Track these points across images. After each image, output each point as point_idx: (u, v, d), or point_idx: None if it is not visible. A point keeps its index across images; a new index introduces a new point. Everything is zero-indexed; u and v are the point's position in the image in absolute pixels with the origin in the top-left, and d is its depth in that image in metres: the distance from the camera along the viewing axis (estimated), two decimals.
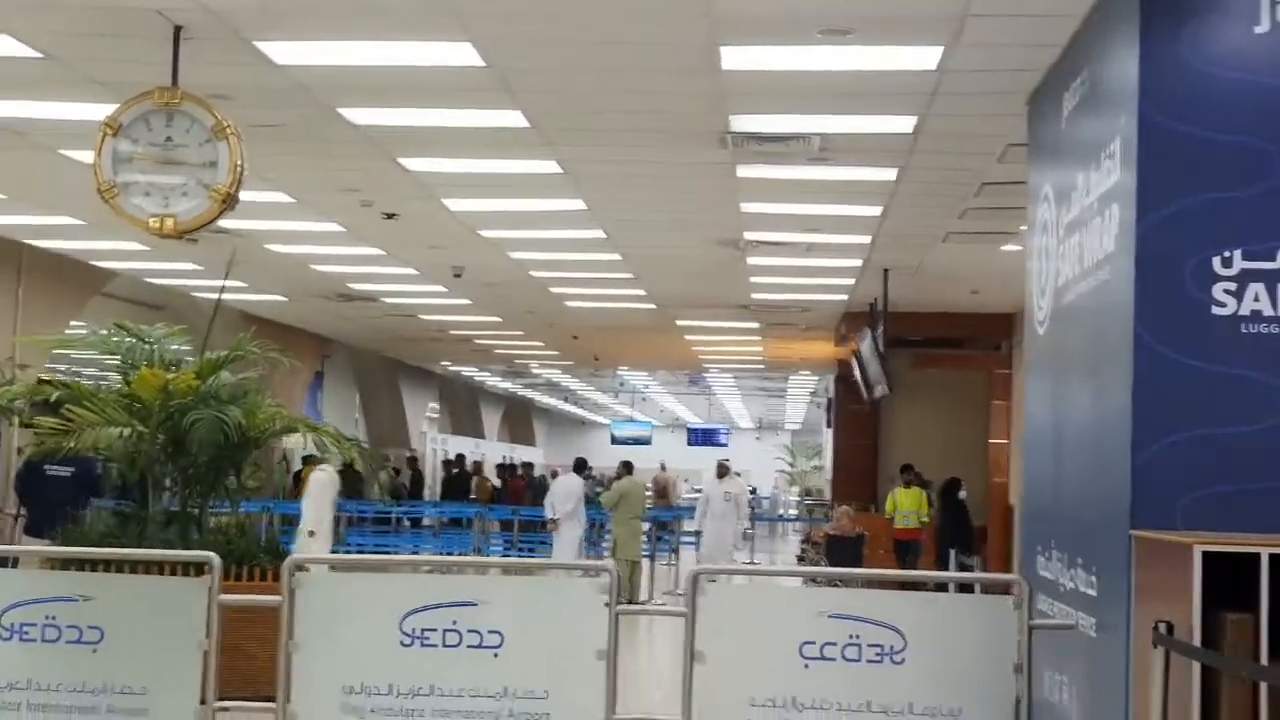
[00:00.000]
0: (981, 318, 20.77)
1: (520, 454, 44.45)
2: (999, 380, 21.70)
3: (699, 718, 7.04)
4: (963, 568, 12.35)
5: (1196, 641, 5.08)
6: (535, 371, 38.54)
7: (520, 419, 54.06)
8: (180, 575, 8.06)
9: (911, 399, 20.60)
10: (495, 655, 7.17)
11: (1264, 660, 5.00)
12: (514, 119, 10.15)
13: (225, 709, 7.16)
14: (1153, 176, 6.19)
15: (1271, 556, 5.07)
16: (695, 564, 18.24)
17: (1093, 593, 6.68)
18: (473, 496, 28.88)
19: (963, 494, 19.29)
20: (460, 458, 32.69)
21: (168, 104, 7.80)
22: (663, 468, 41.18)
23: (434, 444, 38.81)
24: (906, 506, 19.95)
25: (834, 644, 7.03)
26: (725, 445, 50.61)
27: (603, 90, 9.48)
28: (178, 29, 8.15)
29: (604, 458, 27.84)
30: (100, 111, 9.34)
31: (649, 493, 29.64)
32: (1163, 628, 5.19)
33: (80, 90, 9.57)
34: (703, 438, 52.04)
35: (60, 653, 7.15)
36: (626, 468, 18.98)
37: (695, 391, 46.12)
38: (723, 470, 19.82)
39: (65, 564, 7.83)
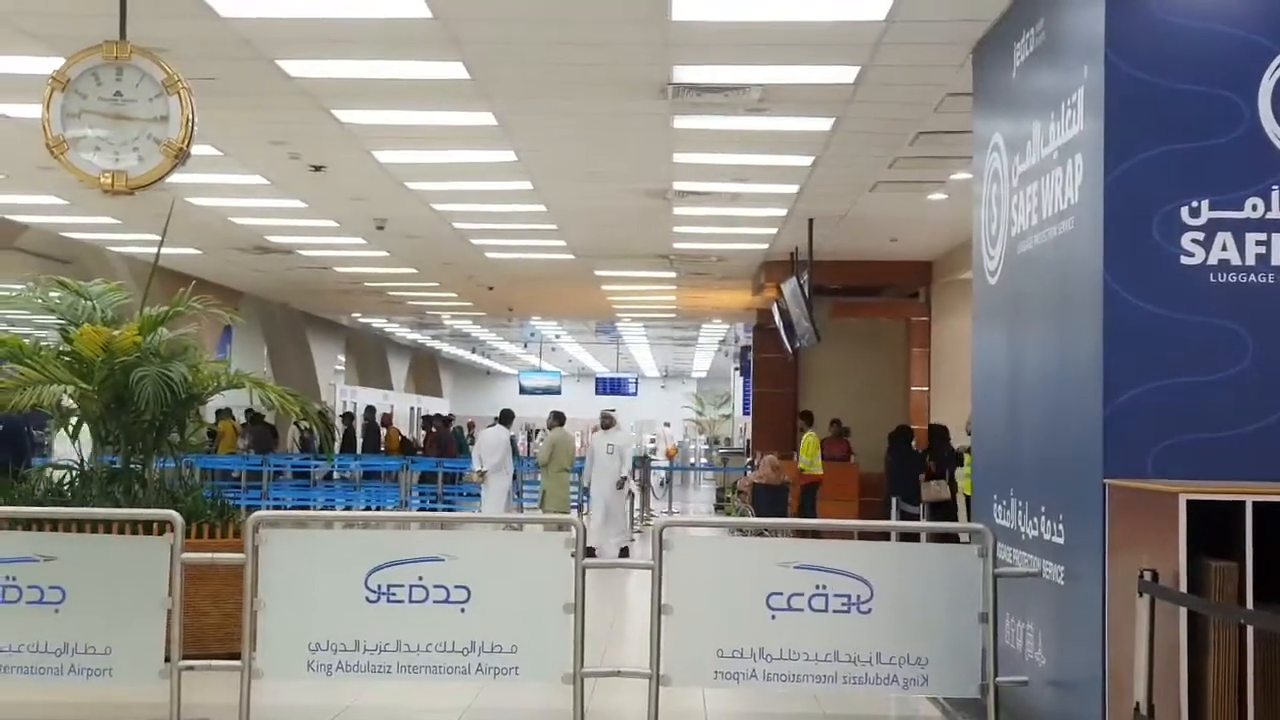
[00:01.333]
0: (900, 265, 20.94)
1: (427, 405, 44.27)
2: (917, 327, 21.92)
3: (667, 670, 7.10)
4: (905, 515, 12.44)
5: (1182, 588, 5.17)
6: (446, 323, 38.33)
7: (427, 370, 53.83)
8: (131, 534, 8.00)
9: (830, 347, 20.69)
10: (462, 610, 7.19)
11: (1249, 605, 5.10)
12: (455, 70, 10.05)
13: (190, 668, 7.08)
14: (1120, 127, 6.25)
15: (1255, 504, 5.17)
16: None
17: (1059, 540, 6.77)
18: (382, 449, 28.71)
19: (914, 442, 19.22)
20: (371, 410, 32.42)
21: (117, 58, 7.61)
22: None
23: (342, 396, 38.56)
24: (801, 453, 20.06)
25: (801, 594, 7.11)
26: (634, 394, 50.61)
27: (550, 41, 9.40)
28: None
29: (517, 408, 27.65)
30: (35, 66, 9.17)
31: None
32: (1148, 575, 5.27)
33: (18, 44, 9.35)
34: (611, 387, 52.00)
35: (22, 614, 7.06)
36: (558, 419, 18.91)
37: (604, 341, 46.09)
38: (607, 421, 18.84)
39: (13, 524, 7.67)
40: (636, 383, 53.40)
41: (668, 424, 49.75)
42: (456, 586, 7.19)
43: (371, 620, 7.18)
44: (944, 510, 17.12)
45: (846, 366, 22.92)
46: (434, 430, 28.91)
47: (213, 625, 8.74)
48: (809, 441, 20.02)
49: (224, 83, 10.31)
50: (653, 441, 47.26)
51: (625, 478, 18.32)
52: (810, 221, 16.84)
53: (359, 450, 27.42)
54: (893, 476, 17.51)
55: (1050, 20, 7.25)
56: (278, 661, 7.17)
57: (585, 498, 18.98)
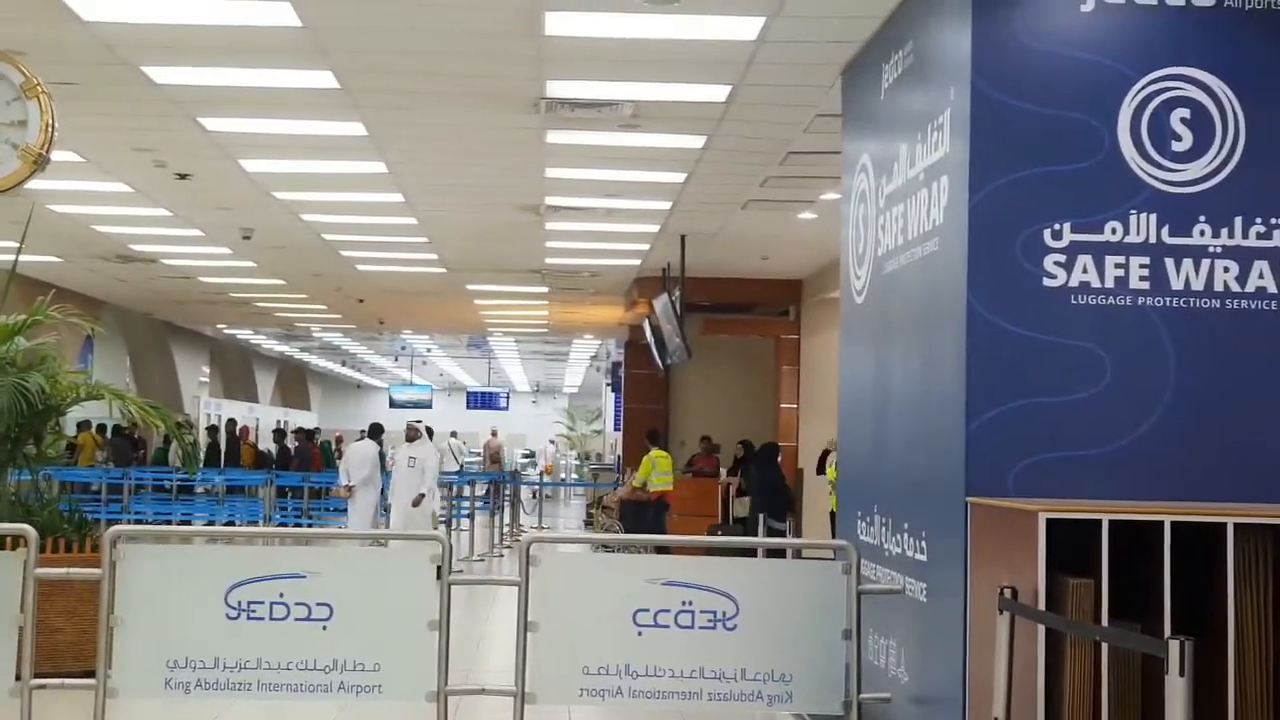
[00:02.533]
0: (771, 283, 21.08)
1: (295, 418, 43.71)
2: (787, 345, 22.07)
3: (533, 688, 7.04)
4: (773, 532, 12.51)
5: (1041, 606, 5.24)
6: (315, 335, 37.91)
7: (295, 382, 53.17)
8: None
9: (701, 364, 20.79)
10: (324, 628, 7.07)
11: (1105, 622, 5.18)
12: (324, 80, 9.94)
13: (43, 687, 6.89)
14: (985, 150, 6.34)
15: (1111, 522, 5.26)
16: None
17: (922, 558, 6.83)
18: (241, 463, 28.29)
19: (780, 458, 19.40)
20: (232, 423, 31.96)
21: None
22: (494, 434, 41.51)
23: (206, 408, 37.95)
24: (639, 473, 20.04)
25: (667, 611, 7.08)
26: (505, 409, 50.55)
27: (421, 52, 9.33)
28: None
29: (387, 422, 27.31)
30: None
31: (475, 457, 29.21)
32: (1008, 593, 5.33)
33: None
34: (482, 401, 51.85)
35: None
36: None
37: (475, 355, 45.90)
38: (411, 433, 17.81)
39: None
40: (508, 397, 53.32)
41: (553, 441, 49.83)
42: (318, 604, 7.07)
43: (232, 638, 7.03)
44: (745, 526, 17.55)
45: (717, 383, 23.05)
46: (284, 445, 28.44)
47: (68, 642, 8.54)
48: (648, 461, 19.87)
49: (87, 88, 10.12)
50: (529, 455, 47.24)
51: (423, 495, 17.23)
52: (683, 238, 16.91)
53: (222, 464, 27.00)
54: (758, 492, 17.67)
55: (918, 44, 7.34)
56: (134, 680, 6.99)
57: (384, 515, 18.34)
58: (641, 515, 18.34)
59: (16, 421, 8.99)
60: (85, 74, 9.79)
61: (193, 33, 8.89)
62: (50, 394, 9.21)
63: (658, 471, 19.26)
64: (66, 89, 9.63)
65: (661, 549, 10.99)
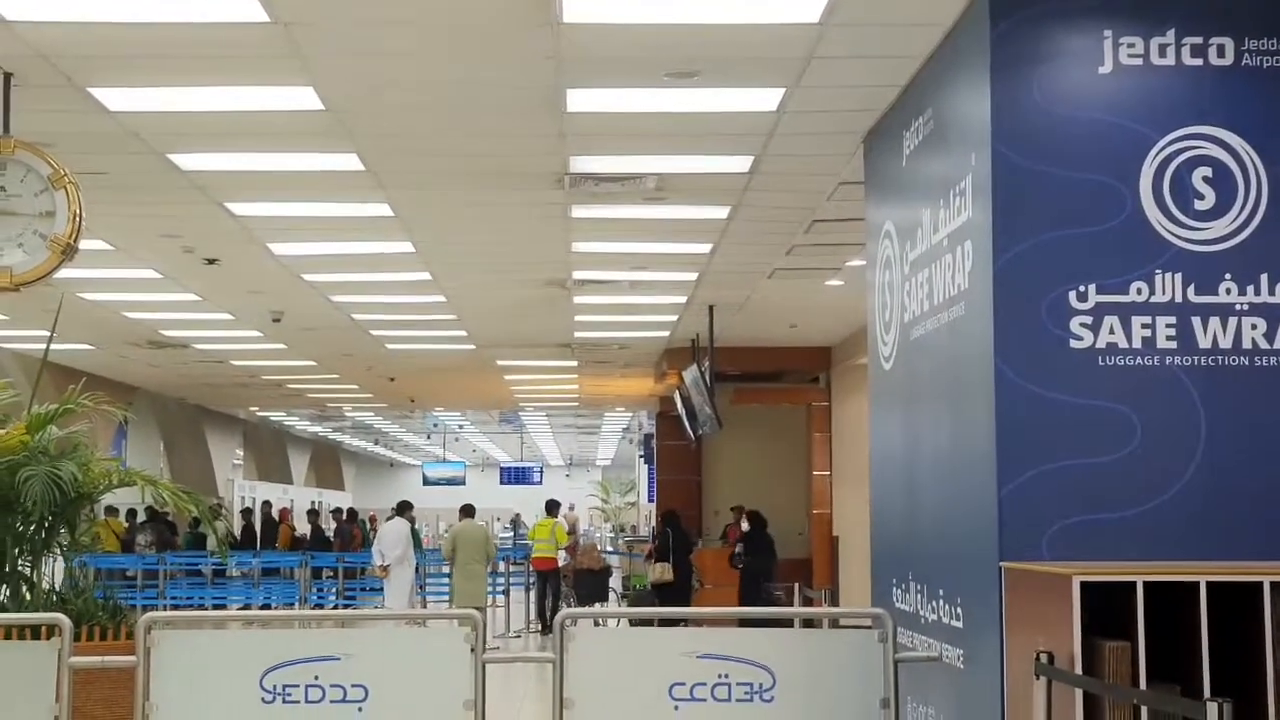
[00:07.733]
0: (800, 351, 21.08)
1: (329, 499, 43.77)
2: (818, 413, 22.04)
3: None
4: (774, 599, 12.37)
5: (1077, 670, 5.19)
6: (347, 415, 38.06)
7: (328, 463, 53.31)
8: (19, 639, 7.76)
9: (732, 433, 20.75)
10: (360, 710, 7.03)
11: (1143, 685, 5.13)
12: (349, 162, 10.02)
13: None
14: (1008, 214, 6.34)
15: (1145, 584, 5.22)
16: None
17: (958, 624, 6.79)
18: (276, 545, 28.31)
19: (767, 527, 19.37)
20: (267, 504, 32.03)
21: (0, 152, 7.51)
22: (571, 508, 41.37)
23: (240, 491, 38.08)
24: (530, 535, 20.70)
25: (704, 684, 7.01)
26: (539, 484, 50.44)
27: (444, 132, 9.42)
28: (8, 75, 7.90)
29: (419, 500, 27.31)
30: None
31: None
32: (1044, 658, 5.29)
33: None
34: (515, 476, 51.87)
35: None
36: (466, 512, 18.77)
37: (508, 430, 45.92)
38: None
39: None
40: (541, 471, 53.27)
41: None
42: (354, 685, 7.03)
43: None
44: (668, 591, 17.57)
45: (749, 452, 23.00)
46: (317, 525, 28.37)
47: None
48: (540, 528, 20.40)
49: (114, 177, 10.22)
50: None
51: None
52: (710, 309, 16.94)
53: (258, 546, 27.01)
54: (753, 562, 17.77)
55: (938, 110, 7.37)
56: None
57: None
58: (596, 584, 18.84)
59: (50, 509, 9.01)
60: (112, 163, 9.89)
61: (218, 119, 8.99)
62: (82, 481, 9.23)
63: (536, 540, 19.67)
64: (94, 178, 9.71)
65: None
